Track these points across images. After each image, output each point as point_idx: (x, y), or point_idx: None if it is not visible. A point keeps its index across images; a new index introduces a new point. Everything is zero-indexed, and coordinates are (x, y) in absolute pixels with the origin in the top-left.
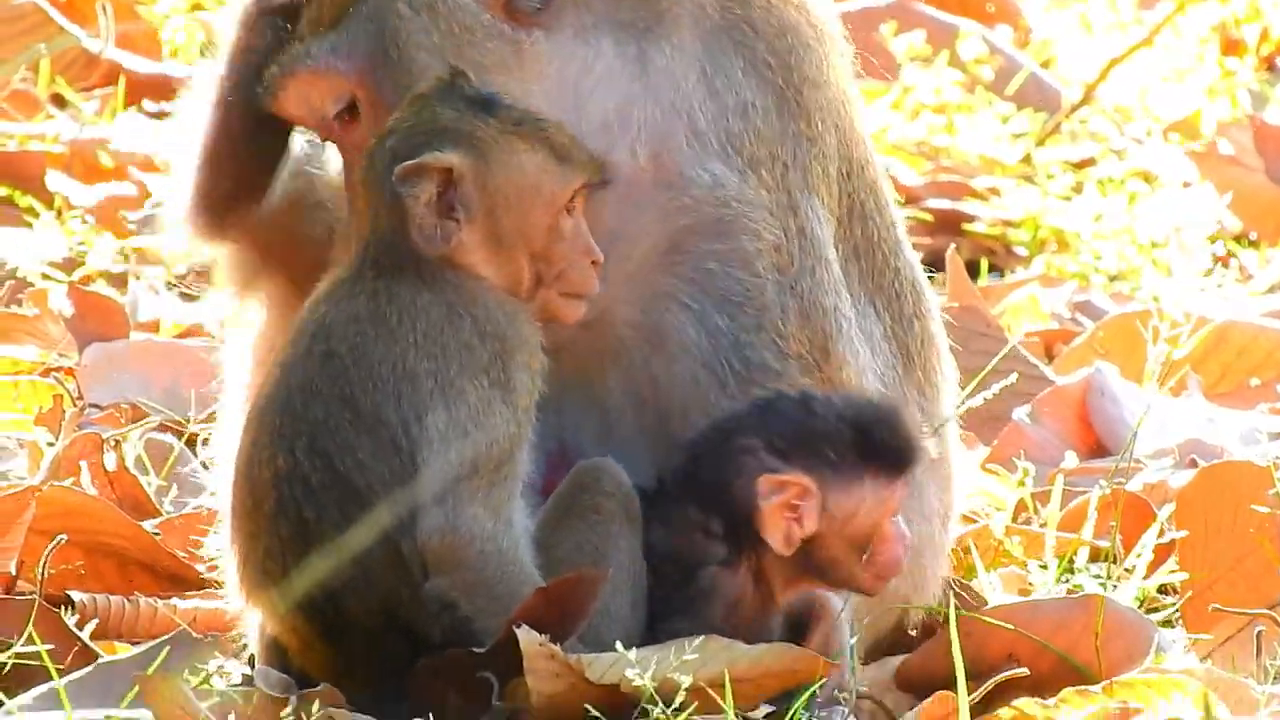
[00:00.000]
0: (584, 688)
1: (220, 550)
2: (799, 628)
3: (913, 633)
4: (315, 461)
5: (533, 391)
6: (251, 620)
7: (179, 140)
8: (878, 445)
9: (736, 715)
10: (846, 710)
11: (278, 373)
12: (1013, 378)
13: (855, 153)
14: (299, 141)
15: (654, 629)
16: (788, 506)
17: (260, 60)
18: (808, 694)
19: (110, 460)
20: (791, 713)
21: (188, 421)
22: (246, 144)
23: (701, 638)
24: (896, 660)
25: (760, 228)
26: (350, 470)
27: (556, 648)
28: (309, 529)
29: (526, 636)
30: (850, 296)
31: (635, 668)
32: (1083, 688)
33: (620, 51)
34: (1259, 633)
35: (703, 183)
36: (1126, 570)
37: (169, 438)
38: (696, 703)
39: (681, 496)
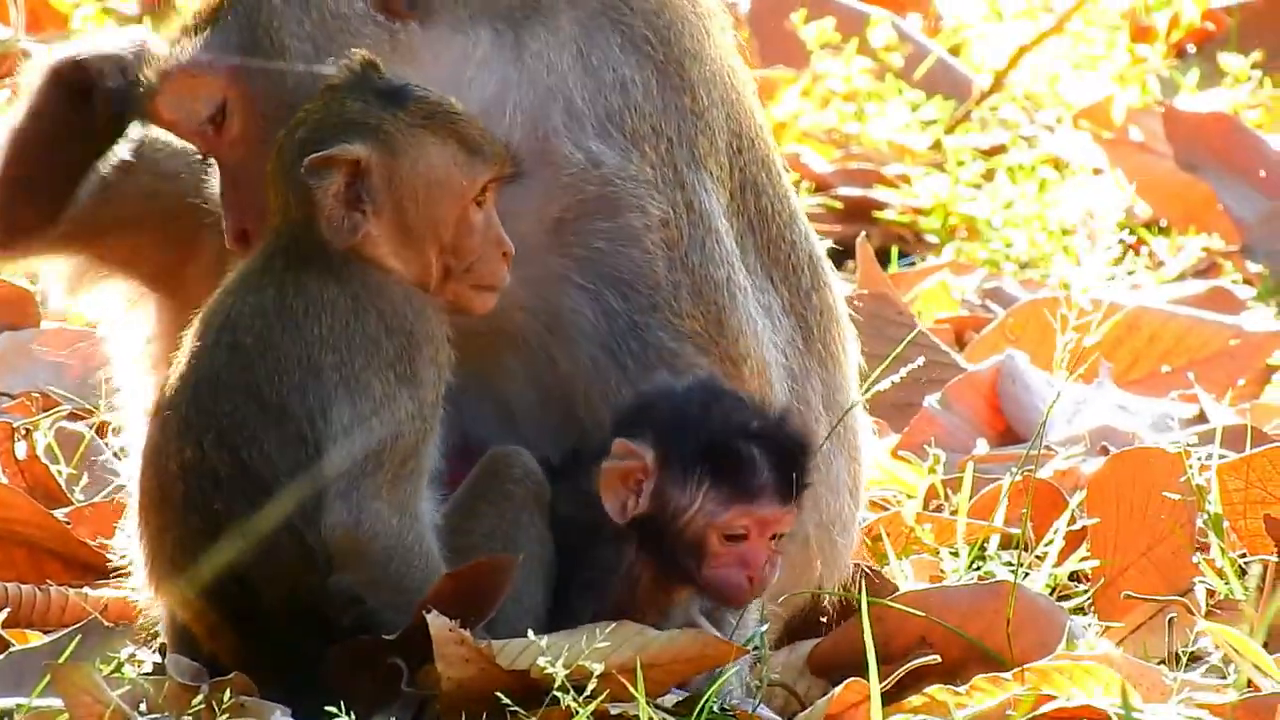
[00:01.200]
0: (494, 673)
1: (129, 541)
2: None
3: (823, 620)
4: (223, 454)
5: (438, 386)
6: (162, 610)
7: None
8: (728, 467)
9: (648, 702)
10: (758, 698)
11: (185, 364)
12: (920, 361)
13: (745, 126)
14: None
15: (558, 609)
16: (625, 475)
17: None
18: (720, 680)
19: (21, 449)
20: (704, 700)
21: (98, 410)
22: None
23: (613, 624)
24: (808, 645)
25: (646, 203)
26: (257, 463)
27: (466, 633)
28: (218, 521)
29: (436, 622)
30: (746, 270)
31: (547, 655)
32: (995, 674)
33: (497, 40)
34: (1171, 619)
35: (579, 161)
36: (1038, 557)
37: (80, 426)
38: (608, 690)
39: (578, 474)
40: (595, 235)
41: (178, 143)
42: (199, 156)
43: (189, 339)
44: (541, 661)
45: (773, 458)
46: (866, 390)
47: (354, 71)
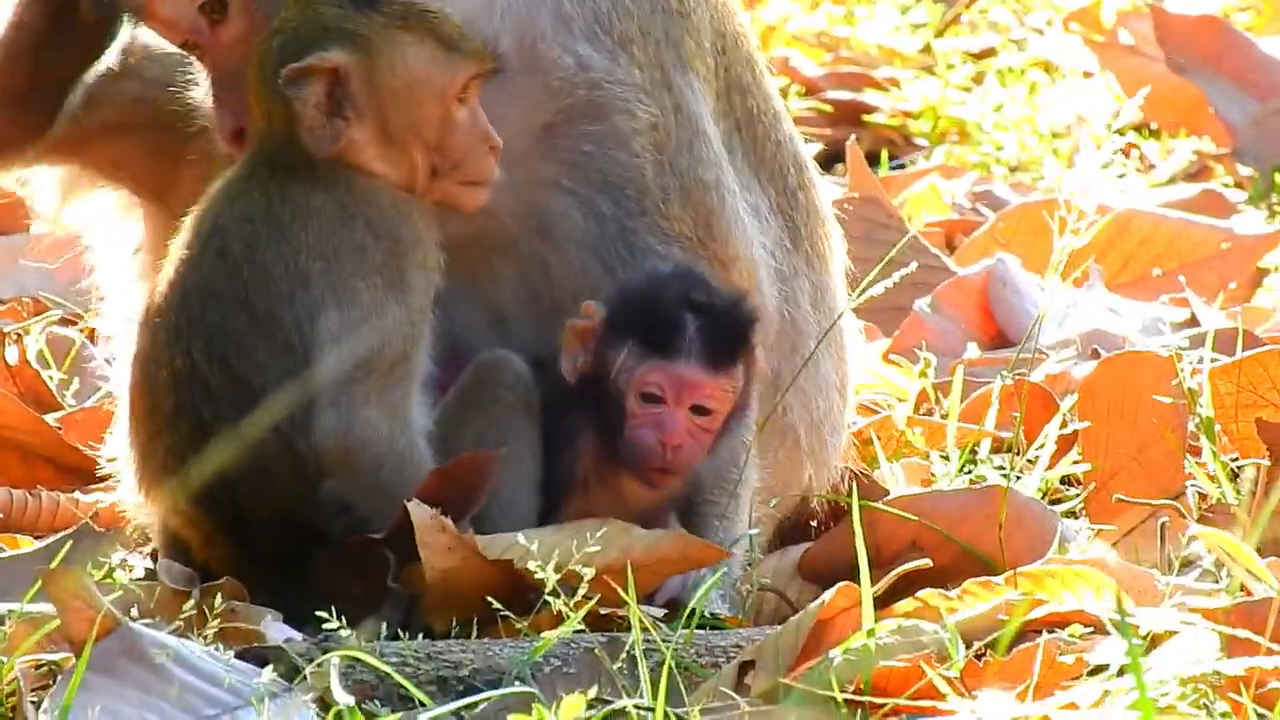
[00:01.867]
0: (479, 565)
1: (119, 450)
2: None
3: (814, 524)
4: (212, 363)
5: (428, 290)
6: (153, 517)
7: None
8: (651, 320)
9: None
10: (747, 602)
11: (174, 273)
12: (913, 266)
13: (729, 26)
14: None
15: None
16: (582, 332)
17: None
18: (709, 585)
19: (12, 354)
20: (692, 603)
21: (89, 315)
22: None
23: (603, 525)
24: (799, 550)
25: (634, 107)
26: (247, 371)
27: (448, 521)
28: (208, 429)
29: (417, 511)
30: (734, 171)
31: (535, 555)
32: (986, 579)
33: None
34: (1163, 524)
35: (568, 65)
36: (1029, 461)
37: (71, 331)
38: (596, 592)
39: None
40: (583, 139)
41: (166, 49)
42: (187, 63)
43: (177, 247)
44: (532, 566)
45: (704, 326)
46: (859, 294)
47: None
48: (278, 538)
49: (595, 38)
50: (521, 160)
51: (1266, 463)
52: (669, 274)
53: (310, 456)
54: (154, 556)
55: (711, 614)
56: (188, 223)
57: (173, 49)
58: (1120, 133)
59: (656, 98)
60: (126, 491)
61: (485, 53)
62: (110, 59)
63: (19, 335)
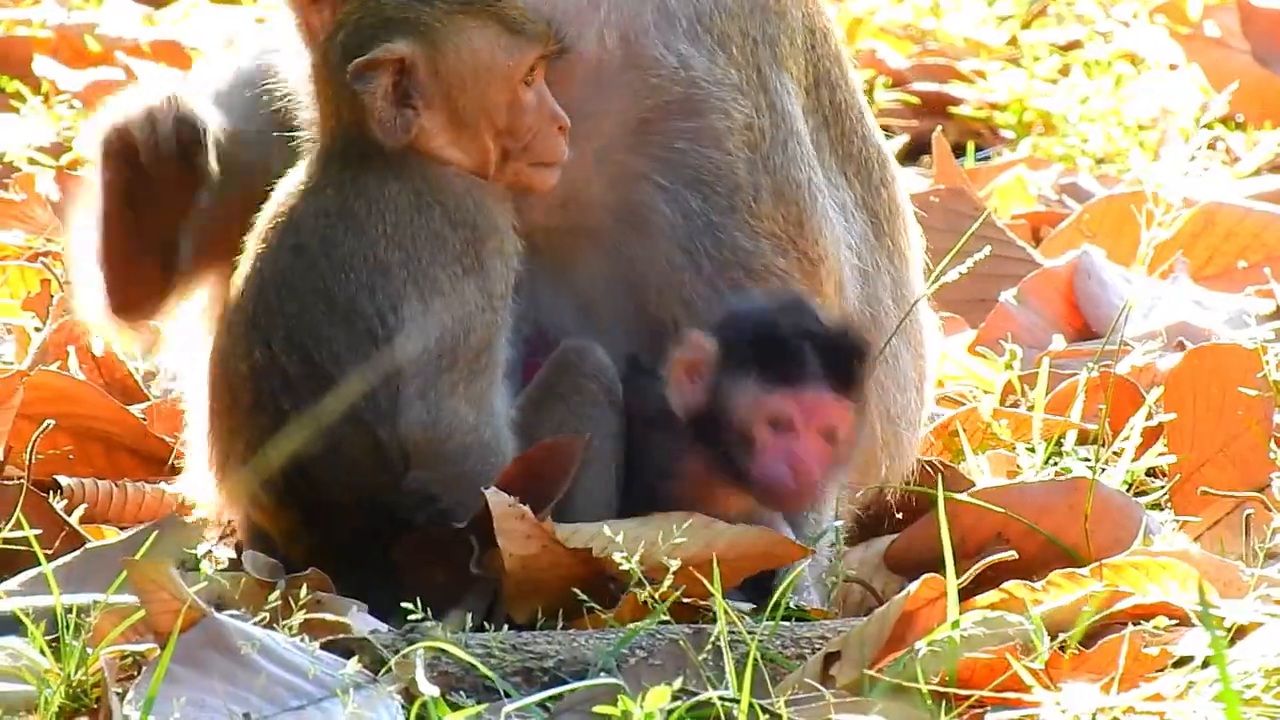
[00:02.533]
0: (558, 552)
1: (195, 447)
2: None
3: (898, 516)
4: (292, 354)
5: (507, 277)
6: (235, 509)
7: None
8: (776, 350)
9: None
10: (833, 593)
11: (250, 269)
12: (986, 250)
13: (818, 21)
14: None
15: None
16: (691, 366)
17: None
18: (792, 577)
19: (97, 345)
20: (776, 595)
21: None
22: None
23: (687, 518)
24: (883, 542)
25: (730, 106)
26: (327, 362)
27: (526, 509)
28: (287, 420)
29: (495, 498)
30: (821, 167)
31: (618, 544)
32: (1071, 570)
33: None
34: (1248, 516)
35: (669, 63)
36: (1114, 454)
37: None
38: (680, 584)
39: (654, 369)
40: (678, 135)
41: (255, 129)
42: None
43: (251, 244)
44: (617, 557)
45: (824, 350)
46: (933, 283)
47: None
48: (359, 528)
49: (696, 36)
50: (615, 153)
51: None
52: (777, 302)
53: (395, 446)
54: (239, 547)
55: (797, 605)
56: (262, 220)
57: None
58: (1208, 126)
59: (752, 97)
60: (205, 486)
61: (549, 34)
62: (210, 172)
63: None
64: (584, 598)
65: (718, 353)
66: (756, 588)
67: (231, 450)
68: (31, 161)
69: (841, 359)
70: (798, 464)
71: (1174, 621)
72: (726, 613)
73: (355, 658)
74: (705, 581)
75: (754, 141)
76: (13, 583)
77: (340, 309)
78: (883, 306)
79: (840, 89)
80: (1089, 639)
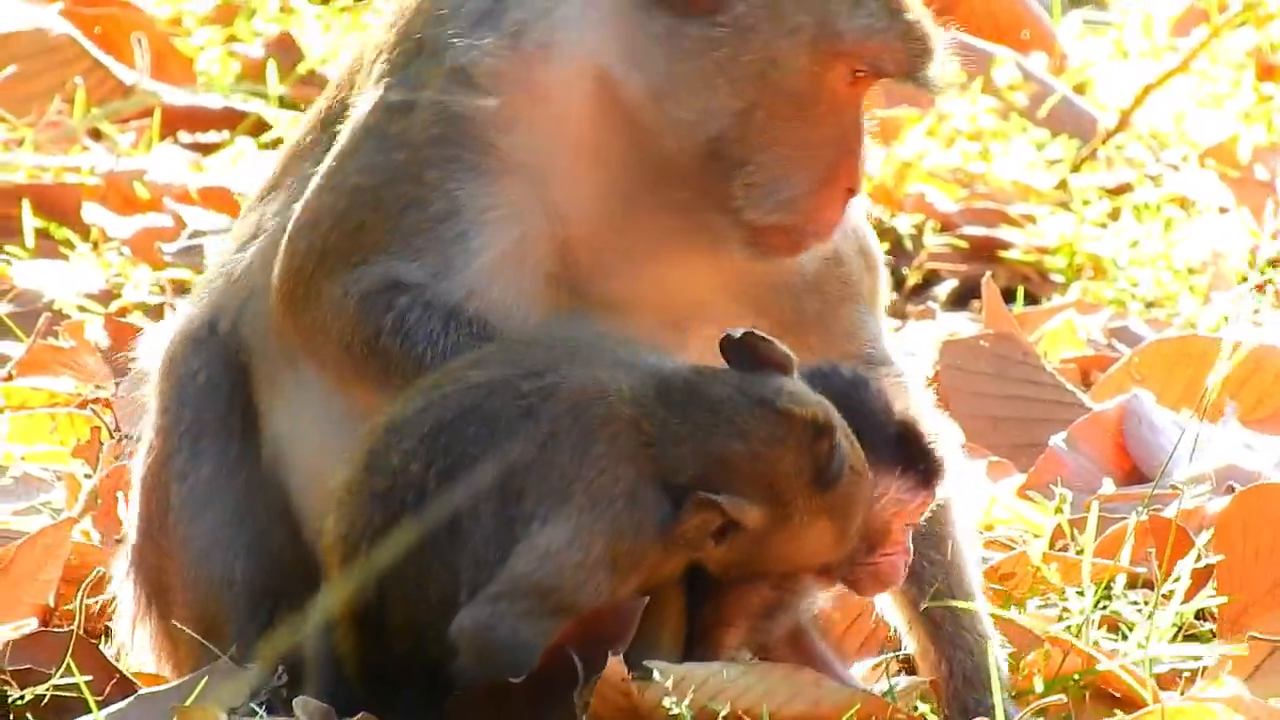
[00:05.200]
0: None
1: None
2: None
3: None
4: (436, 482)
5: (632, 576)
6: (304, 642)
7: None
8: (916, 450)
9: None
10: None
11: (477, 373)
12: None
13: None
14: None
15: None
16: None
17: None
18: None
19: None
20: None
21: None
22: None
23: (793, 670)
24: None
25: None
26: (463, 516)
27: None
28: (397, 549)
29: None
30: None
31: (723, 705)
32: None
33: None
34: None
35: None
36: (1164, 596)
37: None
38: None
39: None
40: None
41: None
42: None
43: (499, 354)
44: (667, 702)
45: (928, 440)
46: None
47: None
48: (414, 670)
49: None
50: None
51: None
52: (878, 395)
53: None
54: (282, 696)
55: None
56: (522, 347)
57: None
58: (1261, 270)
59: None
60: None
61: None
62: None
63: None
64: None
65: None
66: None
67: (341, 540)
68: (81, 309)
69: (933, 446)
70: (907, 555)
71: None
72: None
73: None
74: None
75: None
76: None
77: (509, 490)
78: None
79: None
80: None
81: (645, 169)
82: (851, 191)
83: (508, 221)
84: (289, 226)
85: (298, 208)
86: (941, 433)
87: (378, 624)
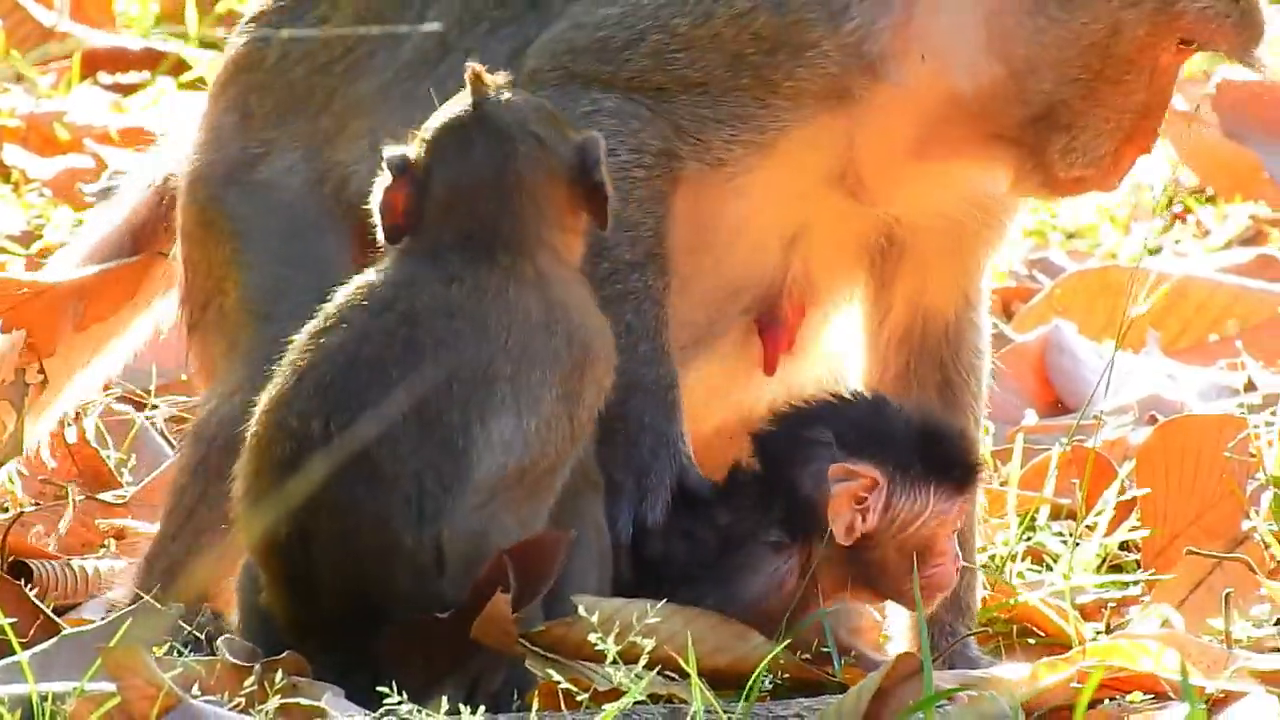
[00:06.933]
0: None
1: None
2: None
3: None
4: (344, 438)
5: (595, 409)
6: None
7: None
8: (946, 458)
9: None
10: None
11: (339, 332)
12: None
13: None
14: None
15: (676, 595)
16: (855, 497)
17: None
18: (769, 656)
19: (71, 434)
20: (754, 678)
21: (148, 394)
22: None
23: (720, 621)
24: None
25: None
26: (383, 459)
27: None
28: (312, 498)
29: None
30: None
31: (596, 629)
32: (1053, 659)
33: None
34: (1227, 595)
35: None
36: (1088, 528)
37: (127, 407)
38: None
39: (748, 479)
40: None
41: None
42: None
43: (345, 303)
44: (592, 637)
45: (957, 445)
46: None
47: None
48: (345, 615)
49: None
50: None
51: None
52: (875, 405)
53: (429, 547)
54: (209, 638)
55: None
56: (364, 283)
57: None
58: (1182, 200)
59: None
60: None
61: None
62: None
63: (78, 415)
64: (559, 679)
65: (887, 476)
66: None
67: (249, 508)
68: (2, 250)
69: (965, 450)
70: (958, 560)
71: (1151, 696)
72: (702, 693)
73: None
74: (682, 661)
75: None
76: None
77: (426, 416)
78: None
79: None
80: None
81: (966, 125)
82: (1145, 151)
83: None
84: None
85: None
86: (965, 428)
87: (308, 586)
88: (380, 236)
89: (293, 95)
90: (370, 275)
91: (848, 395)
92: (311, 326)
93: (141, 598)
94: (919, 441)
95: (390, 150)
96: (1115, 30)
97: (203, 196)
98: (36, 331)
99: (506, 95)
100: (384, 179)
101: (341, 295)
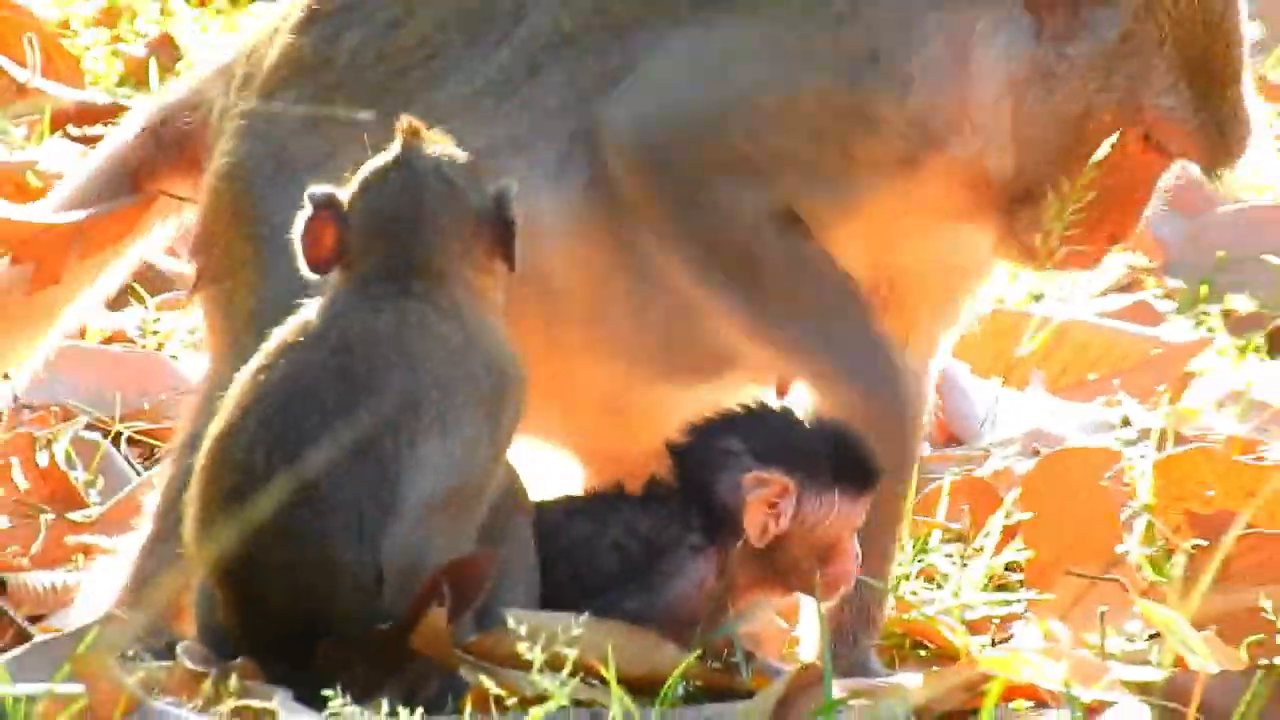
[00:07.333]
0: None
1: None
2: None
3: None
4: (285, 469)
5: (513, 431)
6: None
7: None
8: (849, 463)
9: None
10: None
11: (279, 369)
12: None
13: None
14: None
15: (606, 606)
16: (768, 503)
17: None
18: (685, 663)
19: (43, 458)
20: (670, 682)
21: (113, 420)
22: None
23: (637, 632)
24: None
25: None
26: (325, 488)
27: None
28: (256, 528)
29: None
30: None
31: (523, 639)
32: (941, 669)
33: None
34: (1103, 612)
35: None
36: (976, 549)
37: (96, 435)
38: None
39: (664, 489)
40: None
41: None
42: None
43: (282, 340)
44: (521, 646)
45: (859, 450)
46: None
47: None
48: (289, 632)
49: None
50: None
51: (1191, 548)
52: (800, 421)
53: (370, 568)
54: (170, 647)
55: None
56: (299, 322)
57: None
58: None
59: None
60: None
61: None
62: None
63: (48, 440)
64: (490, 685)
65: (797, 482)
66: None
67: (201, 535)
68: None
69: (866, 454)
70: (858, 557)
71: (1032, 705)
72: (621, 699)
73: None
74: (602, 669)
75: None
76: None
77: (362, 442)
78: None
79: None
80: None
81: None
82: (1120, 238)
83: None
84: None
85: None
86: (863, 434)
87: (259, 606)
88: (303, 267)
89: (366, 98)
90: (307, 310)
91: (755, 406)
92: (254, 362)
93: (136, 591)
94: (825, 449)
95: (314, 188)
96: (1087, 113)
97: (239, 187)
98: (43, 265)
99: (431, 146)
100: (305, 211)
101: (280, 331)
